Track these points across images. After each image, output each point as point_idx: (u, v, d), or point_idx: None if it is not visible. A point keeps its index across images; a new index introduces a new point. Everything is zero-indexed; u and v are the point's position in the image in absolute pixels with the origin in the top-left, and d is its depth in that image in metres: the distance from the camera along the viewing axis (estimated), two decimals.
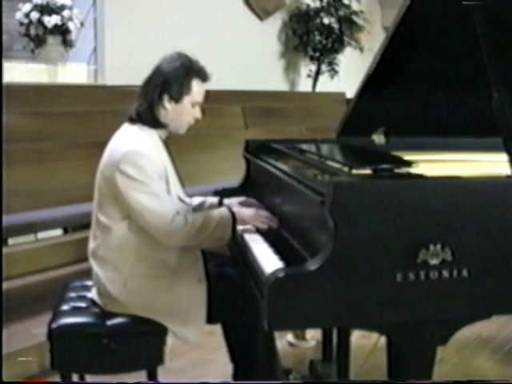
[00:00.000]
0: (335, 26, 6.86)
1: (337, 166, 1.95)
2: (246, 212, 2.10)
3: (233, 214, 2.04)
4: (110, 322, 2.05)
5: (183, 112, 2.10)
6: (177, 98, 2.07)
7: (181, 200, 2.15)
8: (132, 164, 1.97)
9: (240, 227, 2.08)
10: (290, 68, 7.14)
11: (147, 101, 2.08)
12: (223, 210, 2.09)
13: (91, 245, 2.13)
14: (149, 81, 2.10)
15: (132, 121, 2.11)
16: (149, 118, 2.08)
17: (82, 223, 3.43)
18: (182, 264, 2.09)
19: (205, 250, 2.23)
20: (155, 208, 1.97)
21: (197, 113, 2.13)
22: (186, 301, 2.07)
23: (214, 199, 2.38)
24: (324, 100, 6.60)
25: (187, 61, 2.09)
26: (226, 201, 2.32)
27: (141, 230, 2.02)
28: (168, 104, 2.07)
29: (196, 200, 2.36)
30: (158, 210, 1.97)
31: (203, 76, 2.11)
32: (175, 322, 2.06)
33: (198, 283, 2.11)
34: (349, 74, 6.72)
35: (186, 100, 2.08)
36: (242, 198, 2.32)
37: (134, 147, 2.00)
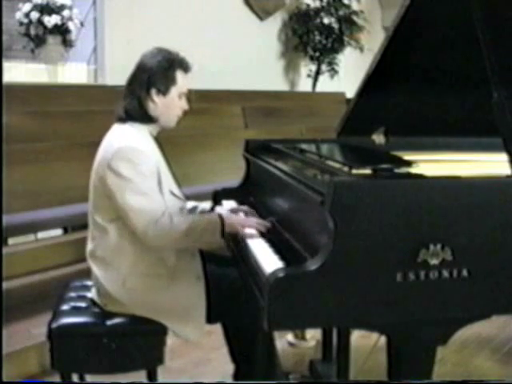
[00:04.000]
0: (335, 25, 6.86)
1: (337, 165, 1.95)
2: (234, 217, 2.12)
3: (221, 219, 2.04)
4: (109, 322, 2.05)
5: (172, 104, 2.12)
6: (164, 91, 2.09)
7: (174, 195, 2.14)
8: (124, 160, 1.97)
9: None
10: (290, 68, 7.14)
11: (135, 98, 2.09)
12: (212, 215, 2.11)
13: (89, 246, 2.13)
14: (133, 78, 2.12)
15: (121, 120, 2.12)
16: (139, 114, 2.10)
17: (82, 223, 3.41)
18: (180, 262, 2.09)
19: (204, 250, 2.24)
20: (142, 207, 1.96)
21: (184, 104, 2.16)
22: (186, 298, 2.07)
23: (206, 205, 2.40)
24: (324, 100, 6.60)
25: (167, 54, 2.12)
26: (218, 208, 2.35)
27: None
28: (156, 97, 2.09)
29: (188, 205, 2.35)
30: (145, 209, 1.96)
31: (185, 66, 2.14)
32: (175, 320, 2.06)
33: (197, 280, 2.11)
34: (349, 73, 6.72)
35: (173, 91, 2.11)
36: (233, 206, 2.35)
37: (127, 143, 2.01)
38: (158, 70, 2.08)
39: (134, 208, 1.96)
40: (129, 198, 1.96)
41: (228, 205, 2.49)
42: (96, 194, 2.07)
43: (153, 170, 2.02)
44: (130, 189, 1.96)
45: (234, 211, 2.28)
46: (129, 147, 1.99)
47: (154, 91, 2.09)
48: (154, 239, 1.98)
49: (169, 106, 2.12)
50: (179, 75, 2.11)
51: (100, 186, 2.04)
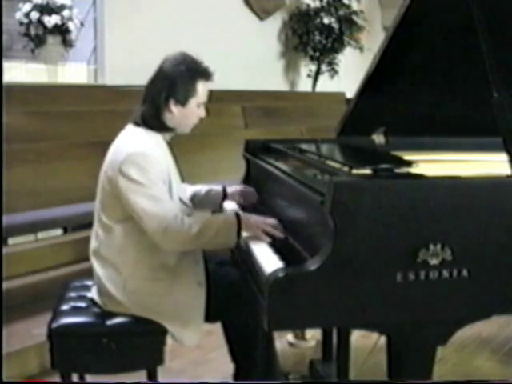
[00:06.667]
0: (335, 25, 6.85)
1: (337, 165, 1.95)
2: (253, 219, 2.02)
3: (239, 220, 1.98)
4: (109, 322, 2.05)
5: (189, 114, 2.08)
6: (183, 102, 2.05)
7: (182, 202, 2.13)
8: (135, 165, 1.95)
9: (245, 234, 2.00)
10: (290, 68, 7.13)
11: (154, 106, 2.05)
12: (228, 217, 2.03)
13: (93, 244, 2.13)
14: (153, 84, 2.07)
15: (137, 124, 2.09)
16: (155, 123, 2.06)
17: (82, 223, 3.44)
18: (181, 266, 2.08)
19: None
20: (154, 211, 1.94)
21: (202, 112, 2.12)
22: (185, 303, 2.06)
23: (219, 187, 2.40)
24: (324, 100, 6.60)
25: (192, 63, 2.07)
26: (229, 189, 2.38)
27: (142, 231, 2.00)
28: (174, 108, 2.05)
29: (203, 188, 2.39)
30: (157, 213, 1.94)
31: (208, 76, 2.09)
32: (173, 324, 2.05)
33: (198, 286, 2.10)
34: (349, 73, 6.72)
35: (192, 102, 2.06)
36: (242, 186, 2.40)
37: (138, 149, 1.99)
38: (179, 80, 2.03)
39: (147, 212, 1.94)
40: (141, 202, 1.94)
41: (229, 205, 2.49)
42: (104, 194, 2.07)
43: (163, 176, 2.01)
44: (142, 193, 1.94)
45: (243, 191, 2.36)
46: (139, 153, 1.97)
47: (172, 101, 2.04)
48: (166, 242, 1.96)
49: (186, 115, 2.08)
50: (200, 86, 2.06)
51: (108, 187, 2.03)
